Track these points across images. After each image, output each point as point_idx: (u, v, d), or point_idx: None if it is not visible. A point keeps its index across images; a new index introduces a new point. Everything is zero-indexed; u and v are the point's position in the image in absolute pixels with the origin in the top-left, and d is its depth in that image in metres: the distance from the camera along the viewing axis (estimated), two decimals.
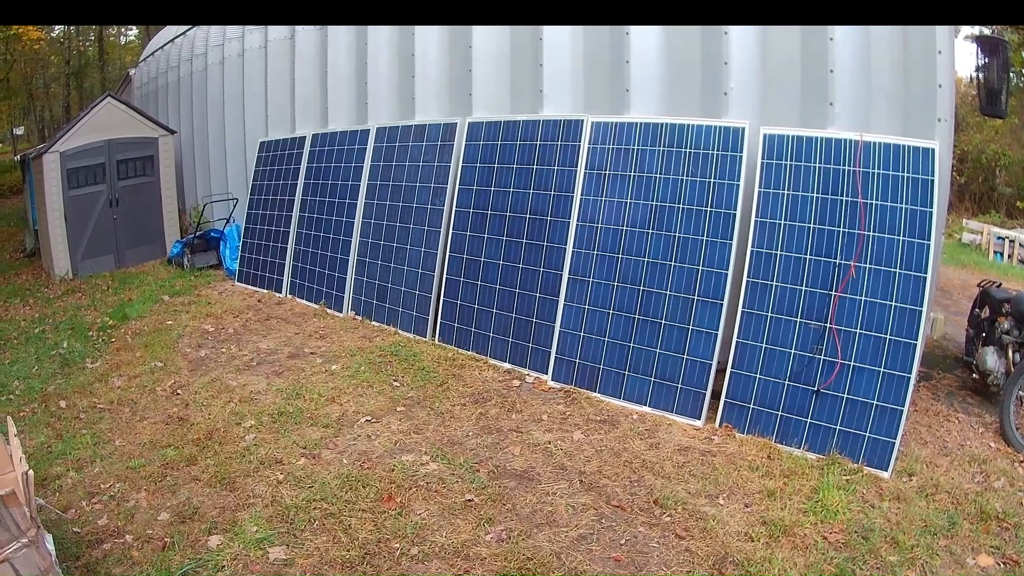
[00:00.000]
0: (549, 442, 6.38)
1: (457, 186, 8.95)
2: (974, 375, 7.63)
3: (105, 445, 6.71)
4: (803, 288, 6.33)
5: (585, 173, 7.73)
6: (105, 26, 43.41)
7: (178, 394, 7.80)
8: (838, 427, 6.05)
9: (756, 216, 6.59)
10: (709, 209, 6.88)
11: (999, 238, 21.33)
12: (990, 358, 7.24)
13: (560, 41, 8.48)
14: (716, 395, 6.69)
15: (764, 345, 6.45)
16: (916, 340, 5.87)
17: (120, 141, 14.55)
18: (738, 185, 6.77)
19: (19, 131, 44.51)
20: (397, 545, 4.96)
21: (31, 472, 4.00)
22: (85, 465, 6.32)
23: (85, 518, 5.44)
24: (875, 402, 5.94)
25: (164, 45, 19.23)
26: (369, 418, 6.94)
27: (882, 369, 5.95)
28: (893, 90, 6.60)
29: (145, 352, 9.18)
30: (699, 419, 6.71)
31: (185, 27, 17.46)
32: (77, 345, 9.78)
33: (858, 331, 6.09)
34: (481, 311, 8.49)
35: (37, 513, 4.04)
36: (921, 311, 5.88)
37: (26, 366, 9.13)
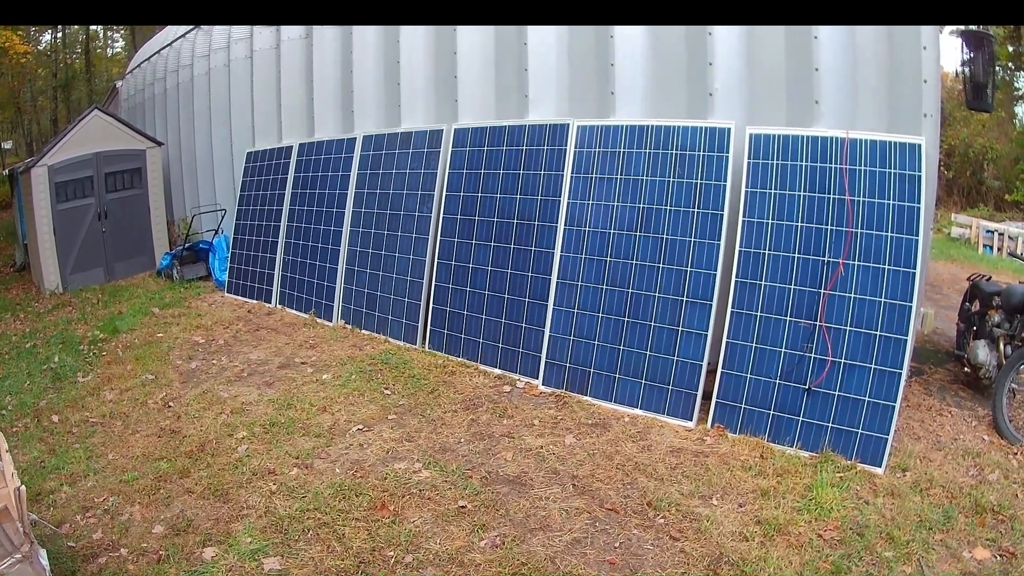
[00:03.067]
0: (541, 447, 6.38)
1: (444, 193, 8.95)
2: (966, 369, 7.66)
3: (98, 459, 6.71)
4: (792, 287, 6.34)
5: (572, 177, 7.72)
6: (92, 38, 43.41)
7: (170, 406, 7.79)
8: (830, 424, 6.06)
9: (743, 216, 6.60)
10: (696, 210, 6.88)
11: (988, 231, 21.43)
12: (981, 351, 7.27)
13: (545, 45, 8.48)
14: (707, 396, 6.69)
15: (754, 344, 6.46)
16: (907, 336, 5.89)
17: (108, 154, 14.55)
18: (725, 185, 6.78)
19: (7, 145, 44.31)
20: (391, 553, 4.96)
21: (23, 488, 4.00)
22: (78, 479, 6.31)
23: (79, 532, 5.44)
24: (867, 398, 5.95)
25: (150, 57, 19.23)
26: (361, 427, 6.93)
27: (873, 365, 5.96)
28: (879, 87, 6.61)
29: (136, 365, 9.16)
30: (691, 420, 6.71)
31: (171, 38, 17.45)
32: (68, 359, 9.77)
33: (848, 328, 6.10)
34: (470, 317, 8.48)
35: (31, 528, 4.04)
36: (911, 306, 5.89)
37: (18, 381, 9.11)
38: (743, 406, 6.47)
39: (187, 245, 14.36)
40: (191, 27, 16.17)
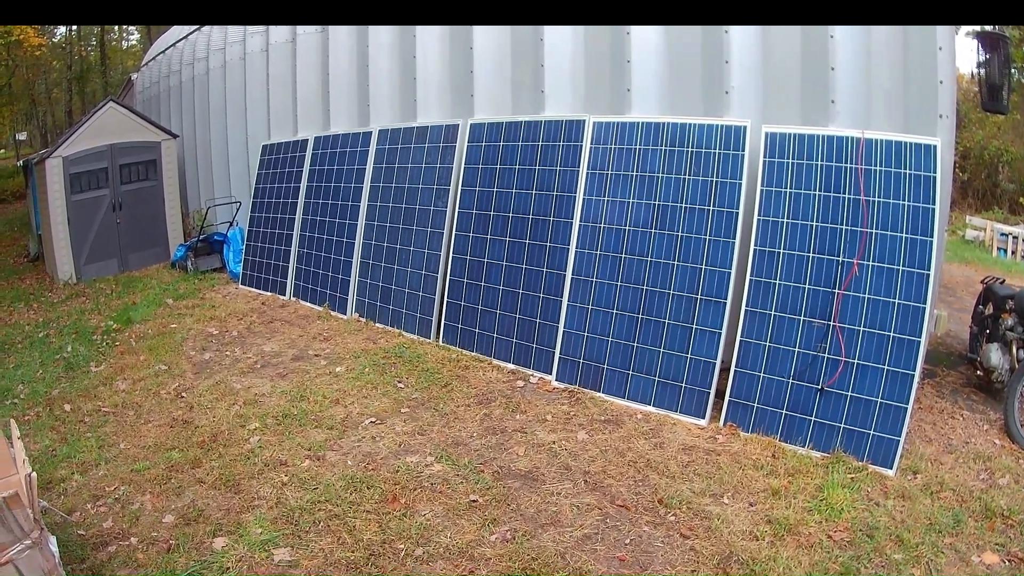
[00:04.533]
0: (553, 442, 6.38)
1: (460, 187, 8.96)
2: (978, 372, 7.62)
3: (110, 448, 6.73)
4: (806, 286, 6.33)
5: (587, 173, 7.73)
6: (107, 30, 43.51)
7: (182, 397, 7.81)
8: (842, 425, 6.05)
9: (759, 215, 6.59)
10: (712, 208, 6.88)
11: (1002, 234, 21.29)
12: (994, 355, 7.23)
13: (561, 41, 8.48)
14: (720, 394, 6.69)
15: (768, 344, 6.45)
16: (920, 337, 5.86)
17: (122, 145, 14.61)
18: (740, 184, 6.77)
19: (22, 136, 44.66)
20: (402, 546, 4.97)
21: (34, 474, 4.02)
22: (90, 468, 6.34)
23: (90, 521, 5.46)
24: (879, 400, 5.93)
25: (166, 49, 19.26)
26: (373, 420, 6.95)
27: (886, 367, 5.94)
28: (894, 87, 6.60)
29: (149, 355, 9.20)
30: (703, 418, 6.71)
31: (186, 31, 17.48)
32: (81, 349, 9.81)
33: (862, 329, 6.08)
34: (485, 312, 8.49)
35: (41, 515, 4.05)
36: (925, 308, 5.87)
37: (30, 370, 9.15)
38: (756, 405, 6.46)
39: (202, 237, 14.39)
40: None
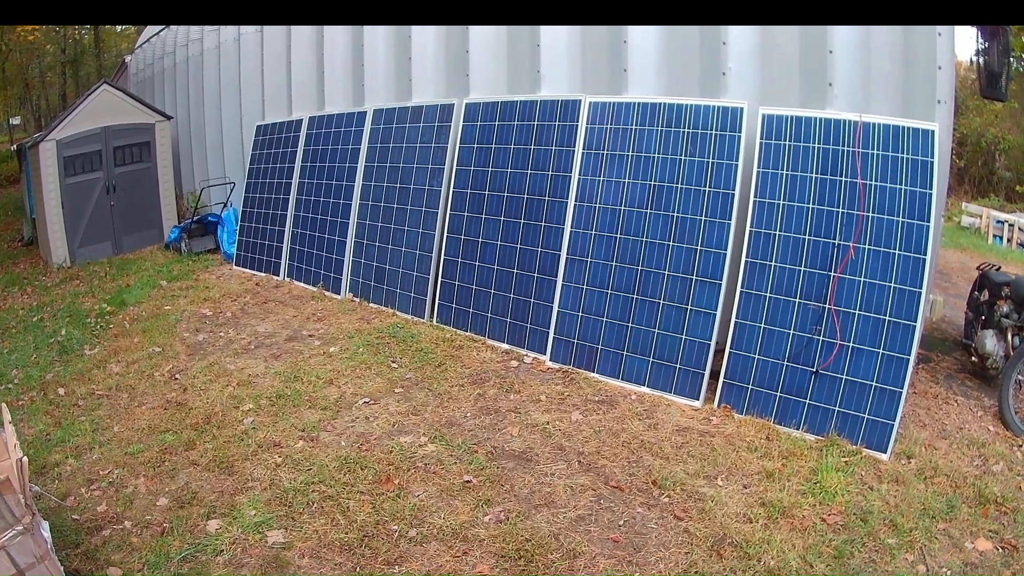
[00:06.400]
0: (547, 423, 6.38)
1: (454, 167, 8.93)
2: (973, 358, 7.62)
3: (104, 431, 6.73)
4: (802, 268, 6.31)
5: (583, 153, 7.69)
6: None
7: (176, 379, 7.80)
8: (837, 408, 6.04)
9: (755, 196, 6.56)
10: (708, 189, 6.85)
11: (998, 222, 21.29)
12: (989, 341, 7.23)
13: None
14: (715, 375, 6.68)
15: (763, 325, 6.43)
16: (915, 322, 5.85)
17: (116, 128, 14.55)
18: (737, 165, 6.74)
19: (15, 121, 44.33)
20: (395, 527, 4.97)
21: (25, 459, 4.00)
22: (84, 452, 6.34)
23: (84, 505, 5.47)
24: (874, 383, 5.92)
25: (160, 31, 19.18)
26: (367, 400, 6.94)
27: (881, 350, 5.93)
28: (893, 71, 6.56)
29: (143, 338, 9.17)
30: (698, 399, 6.70)
31: None
32: (75, 332, 9.79)
33: (857, 312, 6.06)
34: (479, 292, 8.47)
35: (33, 500, 4.03)
36: (920, 292, 5.86)
37: (24, 354, 9.15)
38: (750, 387, 6.45)
39: (196, 218, 14.38)
40: None
